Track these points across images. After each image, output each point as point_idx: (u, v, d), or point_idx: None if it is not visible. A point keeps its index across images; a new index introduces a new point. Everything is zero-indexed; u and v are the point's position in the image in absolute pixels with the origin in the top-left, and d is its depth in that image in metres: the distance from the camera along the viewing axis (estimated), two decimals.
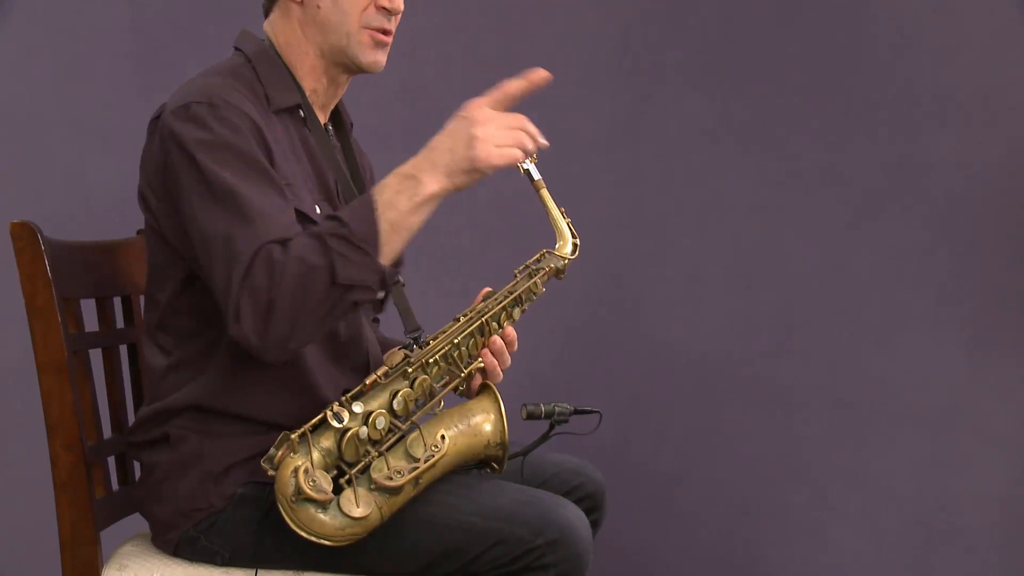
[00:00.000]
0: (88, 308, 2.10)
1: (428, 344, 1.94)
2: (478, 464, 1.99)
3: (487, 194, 3.19)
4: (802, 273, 3.25)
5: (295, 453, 1.81)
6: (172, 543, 1.97)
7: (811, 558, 3.25)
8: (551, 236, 2.12)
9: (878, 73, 3.22)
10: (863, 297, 3.24)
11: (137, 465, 2.06)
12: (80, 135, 3.19)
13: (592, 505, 2.16)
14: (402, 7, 2.05)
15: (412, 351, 1.92)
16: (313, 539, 1.81)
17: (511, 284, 2.05)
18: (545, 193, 2.07)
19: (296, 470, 1.80)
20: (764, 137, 3.25)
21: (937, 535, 3.22)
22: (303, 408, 1.92)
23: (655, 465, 3.28)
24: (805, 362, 3.25)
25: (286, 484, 1.80)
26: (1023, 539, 3.20)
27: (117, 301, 2.20)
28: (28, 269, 1.97)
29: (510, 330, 2.03)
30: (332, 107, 2.13)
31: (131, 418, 2.18)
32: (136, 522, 2.09)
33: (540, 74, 1.87)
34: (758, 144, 3.25)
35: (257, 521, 1.92)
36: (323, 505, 1.80)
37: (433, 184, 1.83)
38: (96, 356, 2.11)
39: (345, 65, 2.06)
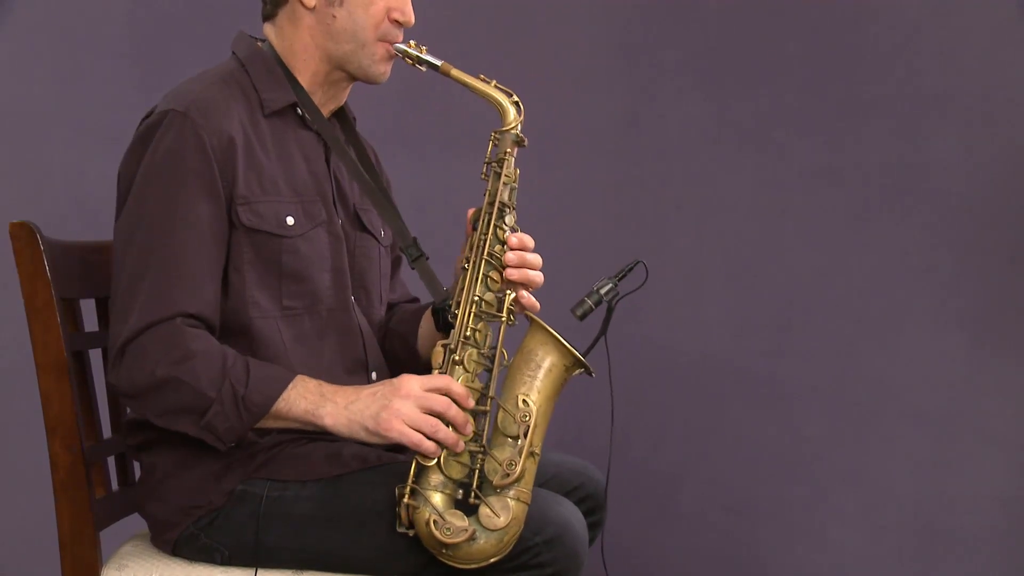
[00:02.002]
0: (88, 308, 2.10)
1: (455, 317, 1.93)
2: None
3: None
4: (802, 273, 3.25)
5: (418, 508, 1.83)
6: (171, 542, 1.97)
7: (811, 558, 3.25)
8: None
9: (878, 73, 3.22)
10: (863, 297, 3.24)
11: (136, 466, 2.06)
12: (80, 135, 3.19)
13: (593, 506, 2.16)
14: (413, 21, 2.07)
15: (447, 341, 1.92)
16: (484, 565, 1.83)
17: (485, 193, 1.98)
18: (457, 72, 2.02)
19: (428, 523, 1.82)
20: (764, 137, 3.25)
21: (937, 535, 3.22)
22: None
23: (655, 465, 3.28)
24: (805, 362, 3.24)
25: (429, 539, 1.83)
26: (1023, 539, 3.20)
27: None
28: (27, 269, 1.97)
29: (514, 239, 1.98)
30: (334, 110, 2.13)
31: None
32: (136, 522, 2.09)
33: (468, 425, 1.87)
34: (758, 144, 3.25)
35: (256, 517, 1.92)
36: (471, 537, 1.82)
37: (329, 420, 1.88)
38: (96, 356, 2.11)
39: (350, 73, 2.07)
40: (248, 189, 1.95)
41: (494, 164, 2.00)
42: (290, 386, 1.88)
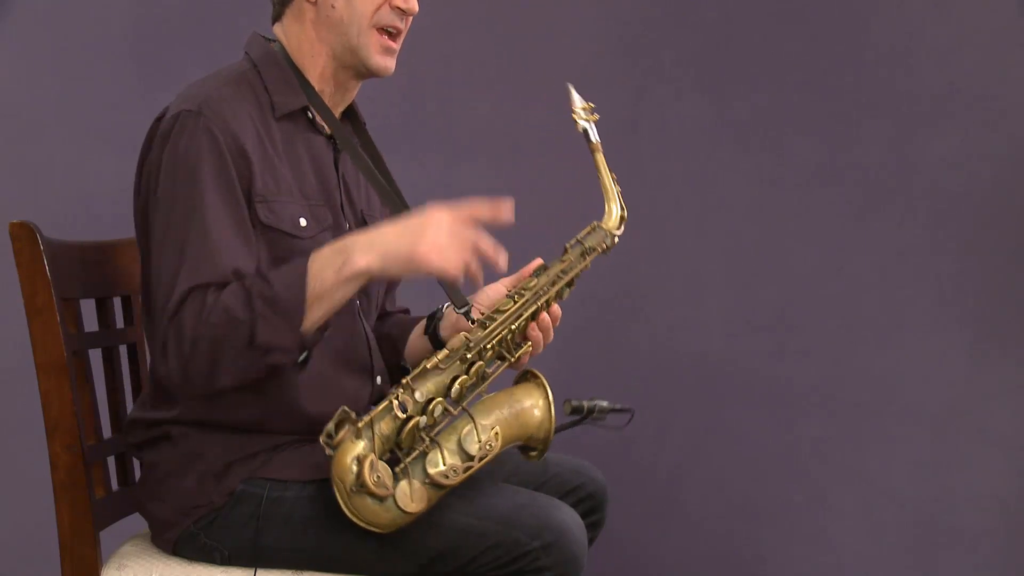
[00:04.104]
0: (88, 308, 2.10)
1: (485, 325, 1.94)
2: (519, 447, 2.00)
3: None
4: (802, 273, 3.25)
5: (357, 439, 1.82)
6: (171, 542, 1.97)
7: (811, 558, 3.25)
8: (590, 204, 2.09)
9: (878, 73, 3.22)
10: (863, 297, 3.24)
11: (137, 465, 2.06)
12: (80, 135, 3.19)
13: (593, 506, 2.16)
14: (417, 8, 2.05)
15: (471, 336, 1.92)
16: (363, 525, 1.83)
17: (564, 263, 2.02)
18: (600, 157, 2.06)
19: (360, 460, 1.81)
20: (764, 137, 3.25)
21: (937, 535, 3.22)
22: (303, 411, 1.94)
23: (656, 465, 3.28)
24: (805, 362, 3.25)
25: (346, 472, 1.82)
26: (1023, 539, 3.20)
27: (117, 301, 2.20)
28: (28, 269, 1.97)
29: (556, 308, 2.02)
30: (342, 110, 2.13)
31: None
32: (136, 522, 2.10)
33: (505, 212, 1.86)
34: (758, 144, 3.25)
35: (256, 518, 1.93)
36: (381, 499, 1.82)
37: (362, 261, 1.84)
38: (96, 356, 2.11)
39: (355, 68, 2.05)
40: (265, 187, 1.95)
41: (585, 248, 2.03)
42: (309, 266, 1.85)
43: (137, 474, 2.06)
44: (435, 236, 1.83)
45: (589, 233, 2.05)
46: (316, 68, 2.06)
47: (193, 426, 1.95)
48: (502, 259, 1.85)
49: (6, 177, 3.18)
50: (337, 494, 1.82)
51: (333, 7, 2.02)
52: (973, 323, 3.20)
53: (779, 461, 3.25)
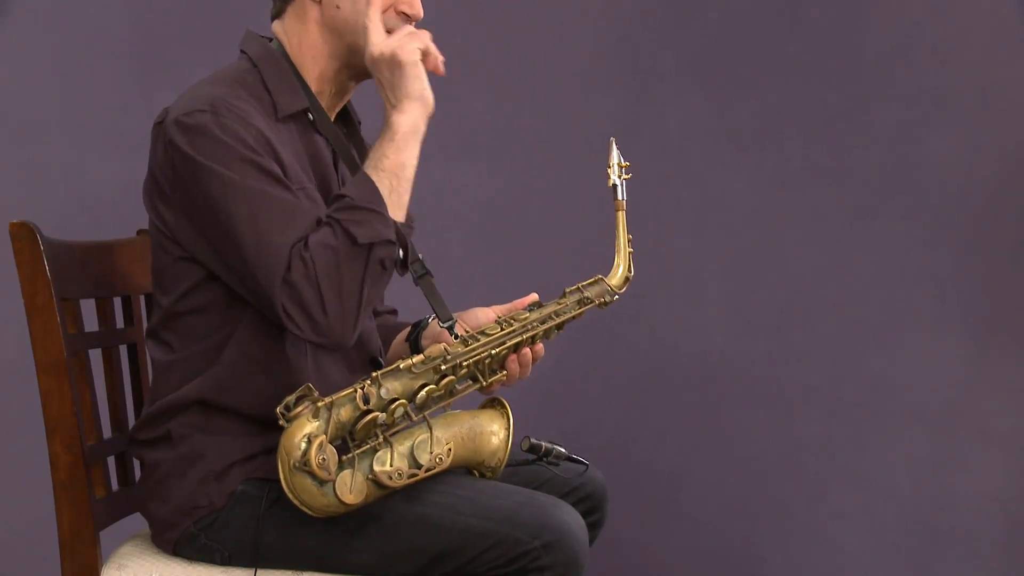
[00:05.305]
0: (88, 308, 2.10)
1: (466, 343, 1.93)
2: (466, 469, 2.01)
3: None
4: (802, 273, 3.25)
5: (313, 418, 1.82)
6: (172, 542, 1.97)
7: (811, 558, 3.25)
8: (599, 258, 2.12)
9: (878, 73, 3.22)
10: (863, 297, 3.24)
11: (138, 465, 2.06)
12: (80, 135, 3.19)
13: (593, 506, 2.16)
14: (422, 15, 2.05)
15: (451, 349, 1.92)
16: (296, 503, 1.84)
17: (559, 304, 2.02)
18: (621, 216, 2.10)
19: (310, 438, 1.81)
20: (764, 137, 3.25)
21: (937, 535, 3.22)
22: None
23: (655, 465, 3.28)
24: (805, 362, 3.25)
25: (294, 448, 1.81)
26: (1023, 539, 3.20)
27: (117, 301, 2.20)
28: (27, 269, 1.97)
29: (540, 347, 2.03)
30: (338, 109, 2.12)
31: (131, 418, 2.19)
32: (136, 522, 2.10)
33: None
34: (758, 144, 3.25)
35: (257, 518, 1.93)
36: (321, 481, 1.82)
37: (396, 116, 1.95)
38: (96, 356, 2.11)
39: (358, 68, 2.03)
40: (296, 175, 1.94)
41: (583, 297, 2.04)
42: (365, 163, 1.93)
43: (137, 474, 2.06)
44: (392, 42, 1.96)
45: (591, 284, 2.07)
46: (316, 68, 2.04)
47: (194, 426, 1.95)
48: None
49: (6, 177, 3.18)
50: (280, 467, 1.82)
51: (338, 7, 2.01)
52: (973, 323, 3.20)
53: (779, 461, 3.25)
